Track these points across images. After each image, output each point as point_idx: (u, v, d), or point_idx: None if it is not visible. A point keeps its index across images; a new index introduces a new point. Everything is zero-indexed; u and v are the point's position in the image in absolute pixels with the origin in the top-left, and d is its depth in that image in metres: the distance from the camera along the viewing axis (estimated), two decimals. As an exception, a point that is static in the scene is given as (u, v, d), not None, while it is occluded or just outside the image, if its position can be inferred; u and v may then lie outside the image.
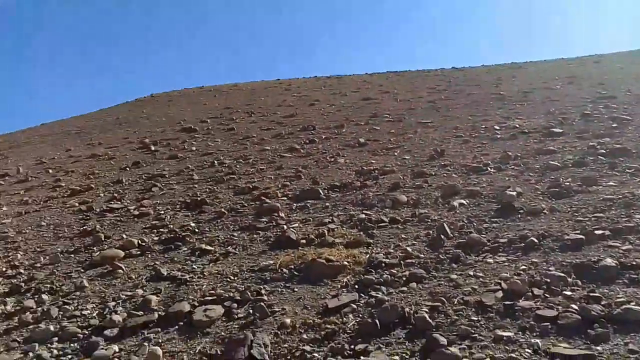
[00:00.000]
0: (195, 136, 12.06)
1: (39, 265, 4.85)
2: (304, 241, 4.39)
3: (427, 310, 2.88)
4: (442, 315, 2.82)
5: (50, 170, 10.17)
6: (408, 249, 3.88)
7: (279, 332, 2.93)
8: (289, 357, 2.67)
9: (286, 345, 2.79)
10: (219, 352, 2.79)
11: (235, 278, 3.83)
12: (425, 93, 14.94)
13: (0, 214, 7.21)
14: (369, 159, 7.46)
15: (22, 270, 4.76)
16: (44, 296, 4.01)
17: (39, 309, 3.79)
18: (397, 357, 2.47)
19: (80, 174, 9.43)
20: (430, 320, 2.73)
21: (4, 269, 4.87)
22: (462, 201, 4.85)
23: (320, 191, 5.89)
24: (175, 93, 24.72)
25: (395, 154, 7.64)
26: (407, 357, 2.49)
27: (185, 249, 4.75)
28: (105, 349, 3.00)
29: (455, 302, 2.94)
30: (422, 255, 3.75)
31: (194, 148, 10.45)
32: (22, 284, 4.35)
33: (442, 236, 3.97)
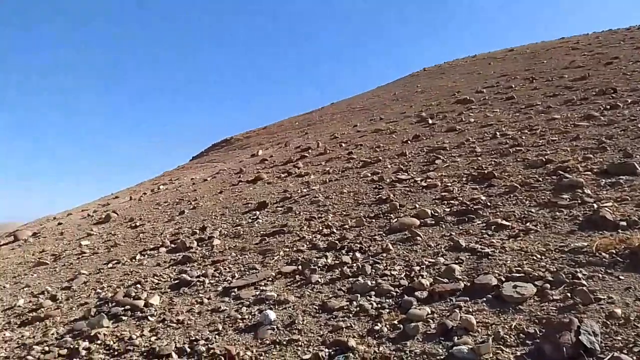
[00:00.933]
0: (472, 107, 11.81)
1: (347, 226, 5.58)
2: (624, 223, 3.80)
3: None
4: None
5: (343, 144, 11.54)
6: None
7: (608, 322, 2.62)
8: (624, 351, 2.36)
9: (620, 338, 2.48)
10: (537, 332, 2.68)
11: (543, 257, 3.60)
12: None
13: (309, 181, 8.59)
14: None
15: (334, 230, 5.56)
16: (357, 254, 4.60)
17: (354, 264, 4.37)
18: None
19: (367, 147, 10.40)
20: None
21: (320, 228, 5.78)
22: None
23: (637, 165, 4.99)
24: (446, 65, 24.70)
25: None
26: None
27: (479, 222, 4.71)
28: (419, 309, 3.23)
29: None
30: None
31: (471, 120, 10.26)
32: (337, 242, 5.07)
33: None
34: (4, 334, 4.38)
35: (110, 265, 6.16)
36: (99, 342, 3.77)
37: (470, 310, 3.11)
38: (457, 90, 15.29)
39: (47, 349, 3.84)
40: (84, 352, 3.64)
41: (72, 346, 3.75)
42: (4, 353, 3.96)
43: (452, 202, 5.47)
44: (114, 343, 3.71)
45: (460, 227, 4.69)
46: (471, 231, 4.52)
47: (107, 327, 4.05)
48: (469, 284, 3.44)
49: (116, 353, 3.56)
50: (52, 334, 4.19)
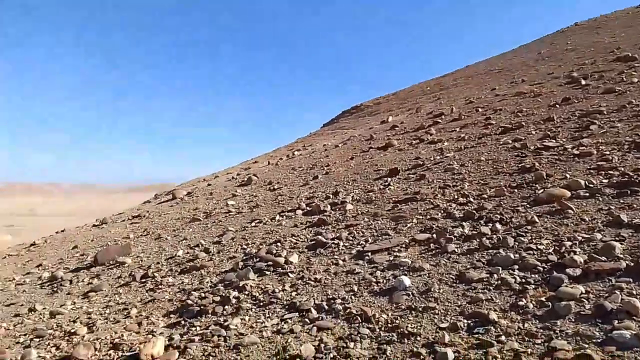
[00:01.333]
0: (635, 65, 10.25)
1: (485, 196, 5.30)
2: None
3: None
4: None
5: (480, 109, 10.88)
6: None
7: None
8: None
9: None
10: None
11: None
12: None
13: (443, 148, 8.29)
14: None
15: (471, 199, 5.31)
16: (497, 225, 4.35)
17: (494, 236, 4.15)
18: None
19: (508, 112, 9.67)
20: None
21: (455, 197, 5.57)
22: None
23: None
24: (603, 18, 21.66)
25: None
26: None
27: (646, 195, 4.13)
28: (571, 287, 2.97)
29: None
30: None
31: (635, 80, 8.91)
32: (474, 212, 4.85)
33: None
34: (168, 280, 5.04)
35: (253, 224, 6.68)
36: (246, 292, 4.14)
37: (634, 292, 2.77)
38: (617, 46, 13.36)
39: (203, 295, 4.33)
40: (234, 301, 4.02)
41: (224, 294, 4.18)
42: (168, 296, 4.55)
43: (611, 172, 4.87)
44: (260, 295, 4.05)
45: (622, 201, 4.16)
46: (635, 205, 3.99)
47: (253, 279, 4.42)
48: (632, 264, 3.06)
49: (261, 304, 3.87)
50: (207, 282, 4.70)
